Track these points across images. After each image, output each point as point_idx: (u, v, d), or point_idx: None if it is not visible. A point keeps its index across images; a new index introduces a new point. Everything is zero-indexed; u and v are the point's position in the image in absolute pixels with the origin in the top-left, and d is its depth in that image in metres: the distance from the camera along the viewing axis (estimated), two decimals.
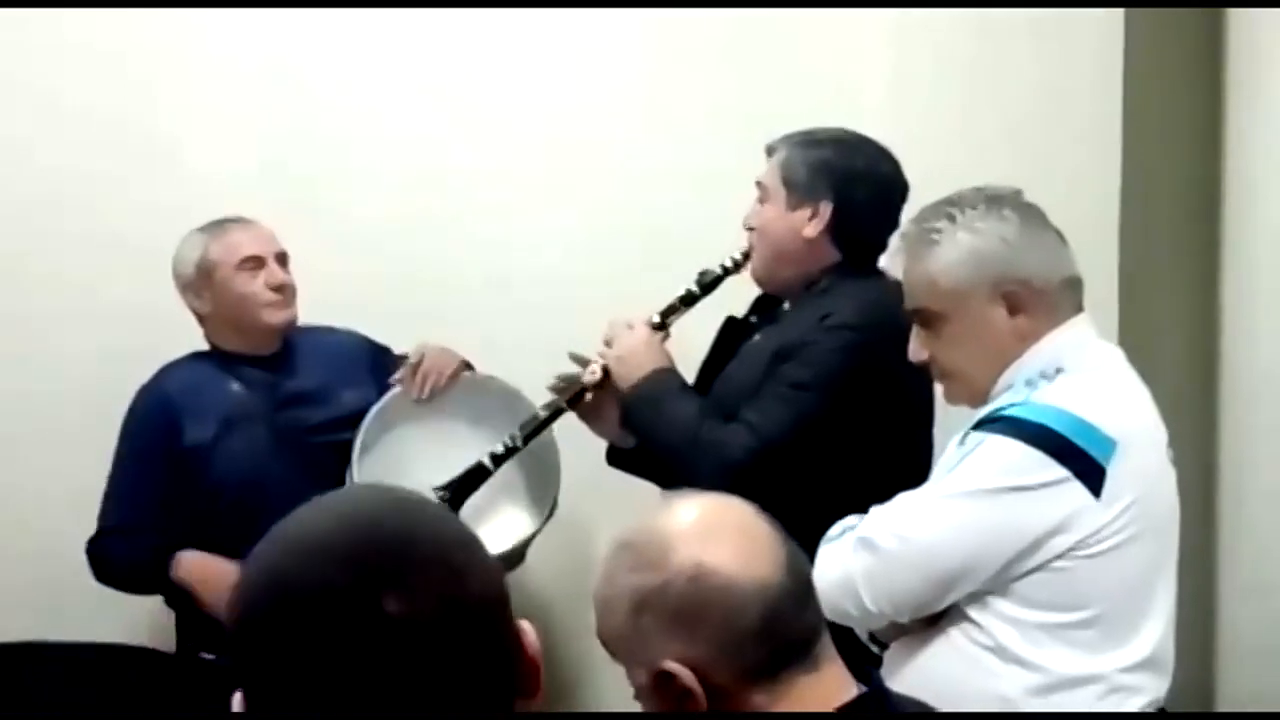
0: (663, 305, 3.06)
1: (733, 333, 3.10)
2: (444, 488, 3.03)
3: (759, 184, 3.02)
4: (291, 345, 3.47)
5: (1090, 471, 2.30)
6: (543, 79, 3.83)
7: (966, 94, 3.69)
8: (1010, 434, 2.32)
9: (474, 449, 3.13)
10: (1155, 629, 2.38)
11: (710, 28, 3.77)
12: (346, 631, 1.17)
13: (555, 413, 3.10)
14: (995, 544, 2.31)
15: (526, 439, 3.10)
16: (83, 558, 3.38)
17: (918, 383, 2.74)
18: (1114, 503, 2.31)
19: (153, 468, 3.36)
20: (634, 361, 2.99)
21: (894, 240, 2.58)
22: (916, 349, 2.49)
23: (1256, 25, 3.45)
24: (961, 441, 2.39)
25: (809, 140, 3.00)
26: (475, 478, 3.07)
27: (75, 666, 3.48)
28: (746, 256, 3.03)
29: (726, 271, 3.05)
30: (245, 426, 3.36)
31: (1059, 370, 2.38)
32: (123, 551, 3.37)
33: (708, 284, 3.06)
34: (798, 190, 2.96)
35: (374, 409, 3.31)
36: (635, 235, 3.76)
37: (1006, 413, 2.34)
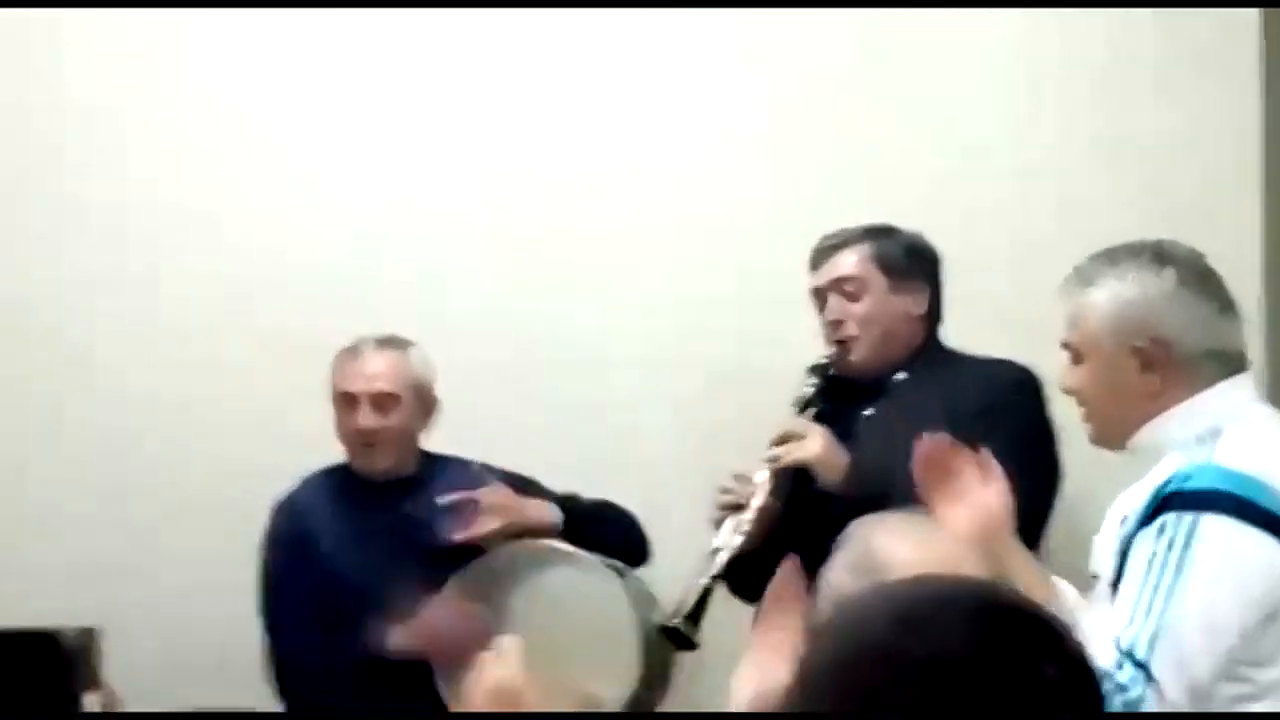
0: (795, 399, 3.21)
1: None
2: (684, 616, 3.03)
3: (843, 280, 3.19)
4: (428, 473, 3.42)
5: None
6: (653, 148, 3.79)
7: (1094, 135, 3.67)
8: (1221, 511, 2.27)
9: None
10: None
11: (827, 80, 3.74)
12: (1009, 696, 1.18)
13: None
14: (1243, 631, 2.28)
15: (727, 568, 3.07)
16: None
17: None
18: None
19: (295, 578, 3.36)
20: (837, 453, 3.09)
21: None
22: (1062, 378, 2.54)
23: None
24: (1146, 522, 2.30)
25: (883, 230, 3.23)
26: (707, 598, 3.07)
27: None
28: (838, 353, 3.20)
29: (826, 371, 3.22)
30: (362, 546, 3.33)
31: (1217, 432, 2.35)
32: (301, 676, 3.35)
33: (821, 382, 3.22)
34: (898, 274, 3.20)
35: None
36: (744, 304, 3.72)
37: (1193, 486, 2.29)
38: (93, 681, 3.20)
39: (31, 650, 3.11)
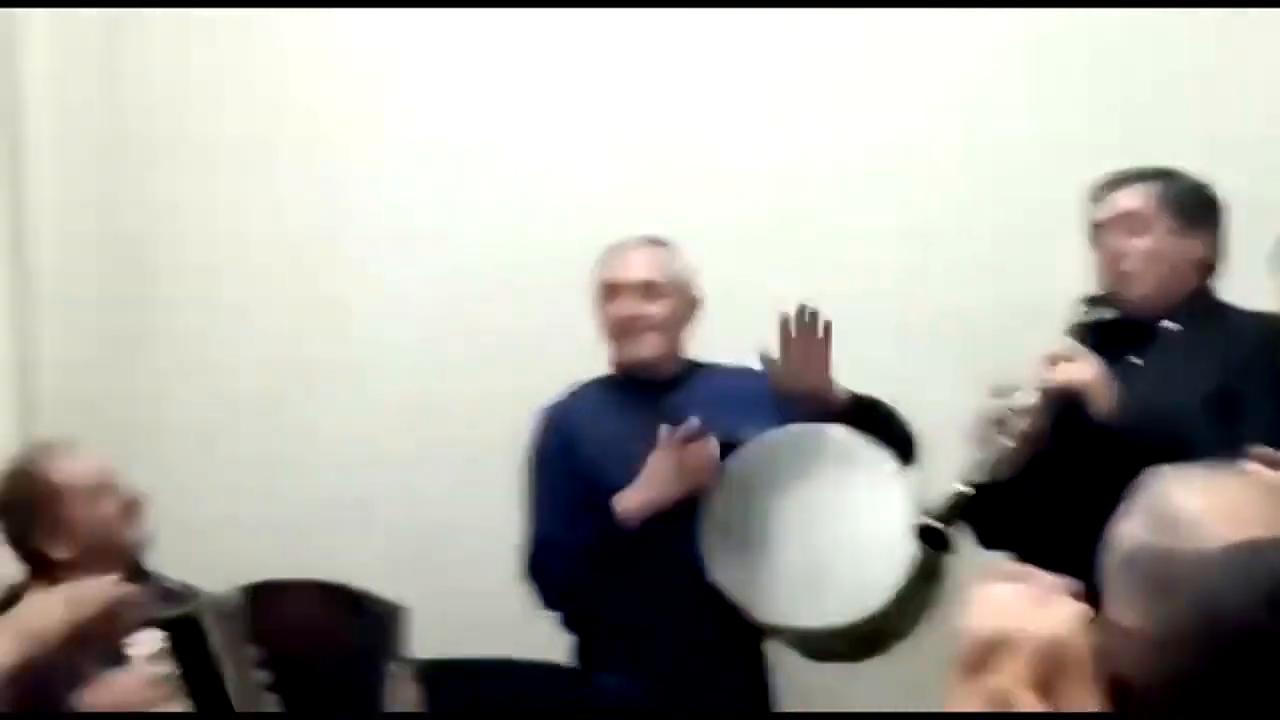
0: (1069, 327, 3.16)
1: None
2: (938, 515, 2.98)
3: (1127, 214, 3.17)
4: (690, 376, 3.48)
5: None
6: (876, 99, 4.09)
7: None
8: None
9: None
10: None
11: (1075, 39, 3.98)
12: None
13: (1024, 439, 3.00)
14: None
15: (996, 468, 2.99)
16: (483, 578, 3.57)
17: None
18: None
19: (559, 480, 3.42)
20: (1109, 382, 3.01)
21: None
22: None
23: None
24: None
25: (1171, 172, 3.21)
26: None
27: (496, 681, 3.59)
28: (1115, 288, 3.18)
29: (1101, 301, 3.19)
30: (626, 446, 3.35)
31: None
32: (555, 568, 3.39)
33: (1094, 312, 3.19)
34: (1182, 216, 3.17)
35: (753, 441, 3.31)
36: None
37: None
38: (395, 653, 3.36)
39: (346, 609, 3.30)
